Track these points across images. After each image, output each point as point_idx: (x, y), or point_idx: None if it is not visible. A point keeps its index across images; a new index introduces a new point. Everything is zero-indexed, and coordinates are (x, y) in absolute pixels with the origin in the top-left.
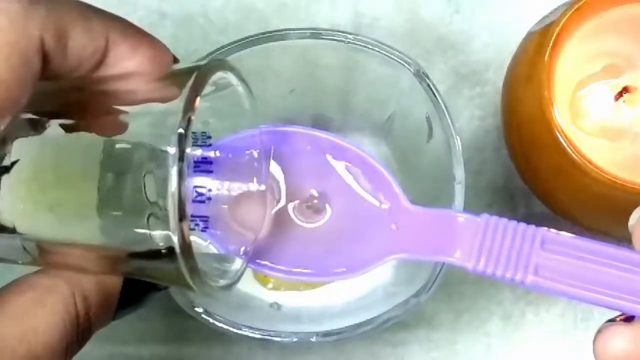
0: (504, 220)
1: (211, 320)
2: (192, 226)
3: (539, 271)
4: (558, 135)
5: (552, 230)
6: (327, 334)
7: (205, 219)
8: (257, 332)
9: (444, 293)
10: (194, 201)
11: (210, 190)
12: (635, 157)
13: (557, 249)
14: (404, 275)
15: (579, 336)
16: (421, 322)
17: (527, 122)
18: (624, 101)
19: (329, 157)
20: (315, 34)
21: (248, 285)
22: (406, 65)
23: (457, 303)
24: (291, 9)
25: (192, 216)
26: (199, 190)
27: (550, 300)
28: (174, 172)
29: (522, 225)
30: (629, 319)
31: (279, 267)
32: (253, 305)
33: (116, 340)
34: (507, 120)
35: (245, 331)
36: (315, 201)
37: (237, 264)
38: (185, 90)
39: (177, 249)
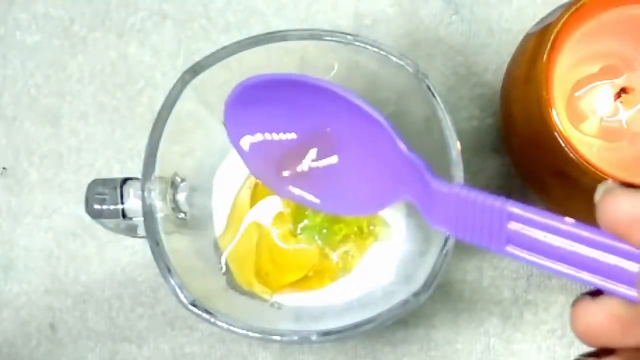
0: (474, 193)
1: (212, 319)
2: None
3: (511, 242)
4: (556, 135)
5: (518, 205)
6: (327, 333)
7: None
8: (257, 331)
9: (443, 293)
10: None
11: None
12: (633, 158)
13: (523, 224)
14: (404, 274)
15: None
16: (421, 322)
17: (525, 122)
18: (621, 102)
19: (339, 108)
20: (316, 34)
21: (249, 284)
22: (406, 66)
23: (457, 303)
24: (292, 9)
25: None
26: None
27: (548, 300)
28: None
29: (490, 198)
30: (597, 292)
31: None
32: (253, 304)
33: (117, 338)
34: (505, 121)
35: (245, 330)
36: (327, 142)
37: None
38: None
39: None
